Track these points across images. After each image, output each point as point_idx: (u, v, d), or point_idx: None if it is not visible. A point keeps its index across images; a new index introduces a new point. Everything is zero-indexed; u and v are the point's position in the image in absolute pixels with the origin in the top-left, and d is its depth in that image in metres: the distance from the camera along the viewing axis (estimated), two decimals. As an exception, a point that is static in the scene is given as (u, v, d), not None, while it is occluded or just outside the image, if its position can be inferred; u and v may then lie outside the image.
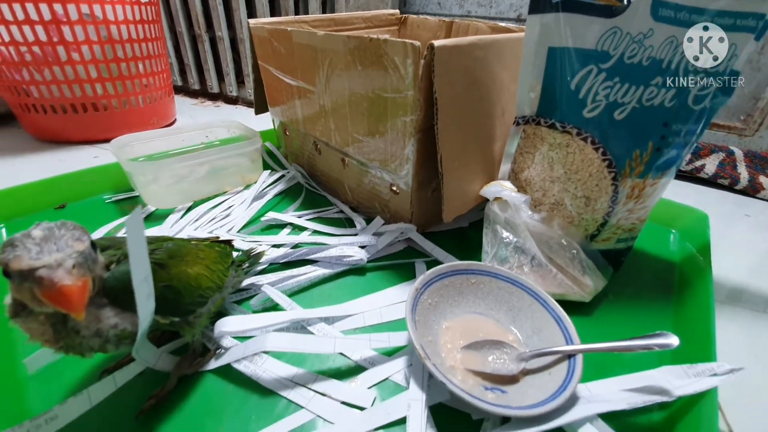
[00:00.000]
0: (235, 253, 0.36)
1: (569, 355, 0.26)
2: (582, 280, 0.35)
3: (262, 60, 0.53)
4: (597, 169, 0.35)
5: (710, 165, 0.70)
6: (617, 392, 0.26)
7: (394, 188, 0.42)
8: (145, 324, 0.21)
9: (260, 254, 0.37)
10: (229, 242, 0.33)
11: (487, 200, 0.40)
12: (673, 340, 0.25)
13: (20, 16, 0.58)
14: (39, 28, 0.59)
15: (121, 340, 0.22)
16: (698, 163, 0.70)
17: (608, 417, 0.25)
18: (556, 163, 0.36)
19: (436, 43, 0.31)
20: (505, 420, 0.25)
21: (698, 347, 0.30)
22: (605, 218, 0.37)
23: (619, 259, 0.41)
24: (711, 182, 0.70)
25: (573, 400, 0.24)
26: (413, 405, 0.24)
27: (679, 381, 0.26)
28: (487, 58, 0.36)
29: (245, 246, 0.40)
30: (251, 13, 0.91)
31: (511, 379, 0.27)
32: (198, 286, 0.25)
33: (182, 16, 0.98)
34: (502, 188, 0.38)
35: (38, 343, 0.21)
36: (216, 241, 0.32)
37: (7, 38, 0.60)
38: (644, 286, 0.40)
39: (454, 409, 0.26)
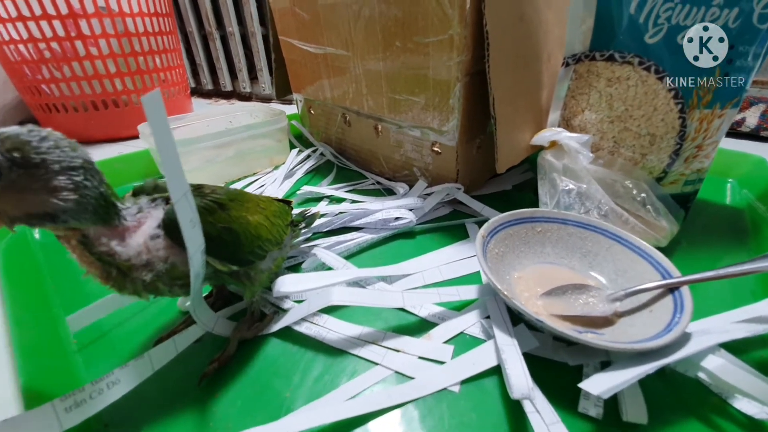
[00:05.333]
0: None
1: (671, 290, 0.23)
2: (656, 223, 0.32)
3: (283, 34, 0.51)
4: (662, 101, 0.32)
5: (751, 117, 0.66)
6: (729, 324, 0.23)
7: (436, 148, 0.40)
8: (196, 260, 0.19)
9: (315, 215, 0.35)
10: (288, 202, 0.31)
11: (537, 152, 0.38)
12: (794, 261, 0.22)
13: (38, 11, 0.58)
14: (57, 23, 0.59)
15: (173, 281, 0.20)
16: (738, 117, 0.67)
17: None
18: (616, 99, 0.33)
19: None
20: (607, 365, 0.22)
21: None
22: (672, 157, 0.34)
23: (686, 205, 0.38)
24: (753, 135, 0.66)
25: (686, 335, 0.22)
26: (507, 350, 0.21)
27: (796, 310, 0.23)
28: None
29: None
30: (260, 4, 0.90)
31: (605, 322, 0.24)
32: (258, 236, 0.23)
33: (192, 15, 0.98)
34: (556, 132, 0.35)
35: (96, 279, 0.19)
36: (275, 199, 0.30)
37: (25, 35, 0.59)
38: (717, 232, 0.37)
39: (544, 359, 0.24)
